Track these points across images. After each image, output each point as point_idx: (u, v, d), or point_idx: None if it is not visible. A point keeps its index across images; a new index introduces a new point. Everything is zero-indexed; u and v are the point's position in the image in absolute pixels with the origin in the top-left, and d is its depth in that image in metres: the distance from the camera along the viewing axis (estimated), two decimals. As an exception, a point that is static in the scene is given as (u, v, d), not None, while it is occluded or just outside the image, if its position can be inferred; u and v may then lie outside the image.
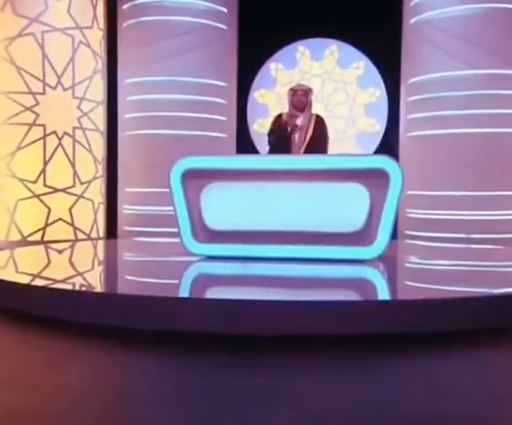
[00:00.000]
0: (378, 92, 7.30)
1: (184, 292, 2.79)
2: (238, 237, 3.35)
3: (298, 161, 3.44)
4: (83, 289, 2.80)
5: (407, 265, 3.90)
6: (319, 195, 3.31)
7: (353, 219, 3.27)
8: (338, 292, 2.74)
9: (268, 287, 2.78)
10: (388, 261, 3.50)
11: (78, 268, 3.53)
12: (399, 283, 3.12)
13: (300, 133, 4.41)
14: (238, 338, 2.19)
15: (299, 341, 2.19)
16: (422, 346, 2.17)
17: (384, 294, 2.85)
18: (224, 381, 1.85)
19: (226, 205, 3.35)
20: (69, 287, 2.78)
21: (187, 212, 3.38)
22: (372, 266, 3.30)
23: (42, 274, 3.19)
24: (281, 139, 4.31)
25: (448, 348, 2.17)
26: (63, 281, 2.97)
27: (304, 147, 4.39)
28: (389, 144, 6.91)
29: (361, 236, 3.28)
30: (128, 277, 3.30)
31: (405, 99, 6.07)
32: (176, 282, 3.00)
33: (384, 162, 3.26)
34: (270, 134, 4.47)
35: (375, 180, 3.24)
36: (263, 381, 1.85)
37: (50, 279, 3.01)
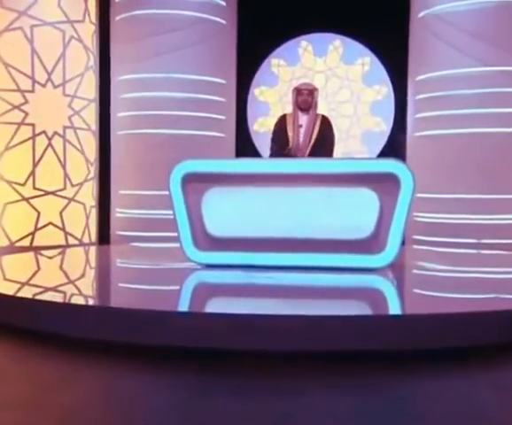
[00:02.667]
0: (384, 90, 7.32)
1: (186, 306, 2.79)
2: (241, 245, 3.35)
3: (303, 165, 3.44)
4: (78, 302, 2.78)
5: (419, 273, 3.90)
6: (326, 200, 3.31)
7: (362, 225, 3.27)
8: (348, 305, 2.73)
9: (274, 298, 2.78)
10: (398, 270, 3.50)
11: (71, 278, 3.51)
12: (412, 295, 3.12)
13: (305, 134, 4.40)
14: (245, 355, 2.18)
15: (309, 358, 2.18)
16: (439, 364, 2.17)
17: (395, 307, 2.85)
18: (229, 399, 1.85)
19: (228, 211, 3.35)
20: (68, 301, 2.77)
21: (187, 219, 3.37)
22: (382, 275, 3.30)
23: (33, 286, 3.17)
24: (283, 151, 4.31)
25: (467, 365, 2.17)
26: (56, 292, 2.95)
27: (309, 149, 4.38)
28: (395, 144, 6.92)
29: (371, 244, 3.28)
30: (126, 287, 3.28)
31: (412, 97, 6.08)
32: (177, 293, 2.99)
33: (394, 166, 3.27)
34: (273, 139, 4.47)
35: (385, 185, 3.24)
36: (271, 399, 1.85)
37: (40, 288, 3.00)
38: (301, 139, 4.40)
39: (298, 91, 4.42)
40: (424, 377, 2.05)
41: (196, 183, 3.33)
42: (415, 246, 5.56)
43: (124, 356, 2.25)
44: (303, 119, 4.41)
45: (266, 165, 3.50)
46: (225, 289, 3.11)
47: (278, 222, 3.31)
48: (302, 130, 4.41)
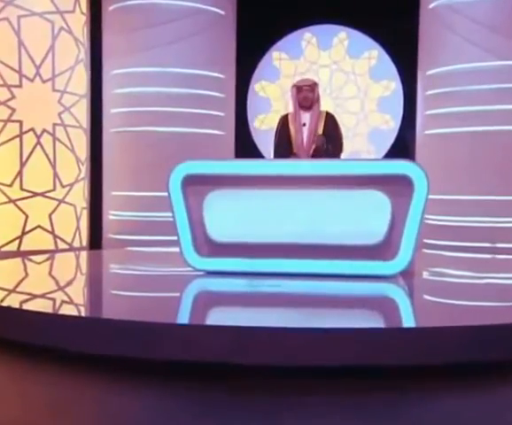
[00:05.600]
0: (393, 85, 7.32)
1: (186, 317, 2.77)
2: (245, 250, 3.33)
3: (311, 166, 3.43)
4: (68, 312, 2.74)
5: (433, 280, 3.88)
6: (335, 204, 3.30)
7: (373, 230, 3.26)
8: (357, 315, 2.71)
9: (282, 309, 2.77)
10: (411, 276, 3.49)
11: (61, 286, 3.49)
12: (427, 304, 3.10)
13: (309, 133, 4.39)
14: (249, 371, 2.17)
15: (318, 373, 2.17)
16: (456, 380, 2.16)
17: (409, 318, 2.83)
18: (233, 418, 1.83)
19: (231, 215, 3.33)
20: (57, 311, 2.75)
21: (187, 223, 3.36)
22: (394, 282, 3.29)
23: (19, 294, 3.15)
24: (287, 154, 4.30)
25: (488, 381, 2.17)
26: (44, 301, 2.93)
27: (313, 149, 4.36)
28: (404, 143, 6.93)
29: (382, 250, 3.27)
30: (121, 296, 3.26)
31: (422, 93, 6.08)
32: (177, 303, 2.98)
33: (407, 167, 3.26)
34: (276, 142, 4.46)
35: (397, 187, 3.23)
36: (278, 418, 1.83)
37: (27, 296, 2.99)
38: (305, 138, 4.39)
39: (297, 89, 4.41)
40: (441, 395, 2.04)
41: (197, 185, 3.32)
42: (426, 250, 5.56)
43: (119, 372, 2.23)
44: (306, 117, 4.40)
45: (271, 166, 3.49)
46: (228, 298, 3.10)
47: (284, 227, 3.30)
48: (305, 129, 4.41)
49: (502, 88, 5.47)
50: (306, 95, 4.36)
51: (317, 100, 4.42)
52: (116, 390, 2.10)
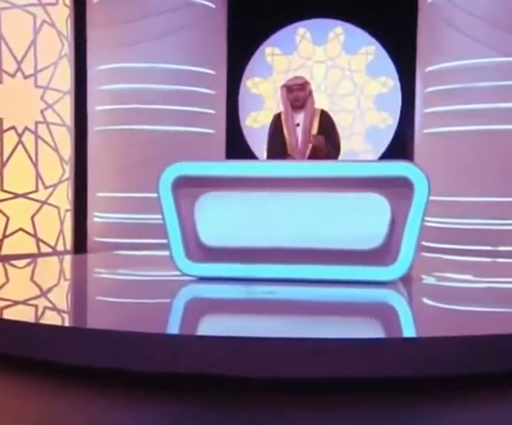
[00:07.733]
0: (390, 82, 7.35)
1: (177, 327, 2.75)
2: (239, 256, 3.33)
3: (307, 168, 3.44)
4: (51, 322, 2.71)
5: (435, 286, 3.89)
6: (332, 207, 3.31)
7: (372, 234, 3.27)
8: (357, 324, 2.71)
9: (275, 317, 2.76)
10: (411, 282, 3.50)
11: (44, 293, 3.47)
12: (428, 312, 3.10)
13: (303, 134, 4.38)
14: (245, 383, 2.16)
15: (316, 386, 2.16)
16: (462, 392, 2.16)
17: (409, 328, 2.83)
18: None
19: (224, 218, 3.33)
20: (39, 320, 2.73)
21: (178, 227, 3.36)
22: (394, 288, 3.29)
23: (2, 302, 3.13)
24: (282, 156, 4.30)
25: (493, 393, 2.16)
26: (25, 309, 2.90)
27: (309, 150, 4.35)
28: (403, 142, 6.95)
29: (381, 254, 3.28)
30: (108, 304, 3.25)
31: (421, 90, 6.10)
32: (167, 311, 2.96)
33: (407, 169, 3.27)
34: (269, 143, 4.45)
35: (397, 189, 3.24)
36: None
37: (7, 303, 2.96)
38: (300, 139, 4.39)
39: (287, 89, 4.40)
40: (441, 409, 2.04)
41: (188, 187, 3.31)
42: (425, 253, 5.56)
43: (106, 384, 2.20)
44: (299, 117, 4.40)
45: (266, 167, 3.49)
46: (221, 305, 3.09)
47: (279, 231, 3.30)
48: (299, 129, 4.40)
49: (504, 85, 5.50)
50: (296, 95, 4.35)
51: (309, 98, 4.40)
52: (102, 403, 2.09)
